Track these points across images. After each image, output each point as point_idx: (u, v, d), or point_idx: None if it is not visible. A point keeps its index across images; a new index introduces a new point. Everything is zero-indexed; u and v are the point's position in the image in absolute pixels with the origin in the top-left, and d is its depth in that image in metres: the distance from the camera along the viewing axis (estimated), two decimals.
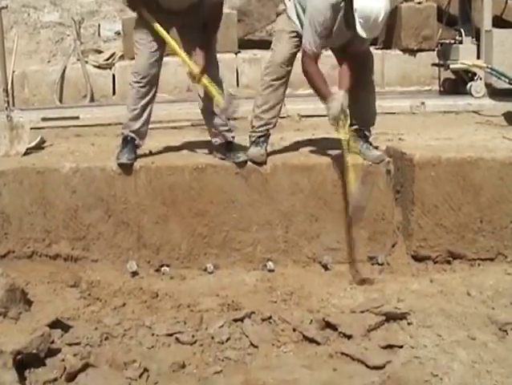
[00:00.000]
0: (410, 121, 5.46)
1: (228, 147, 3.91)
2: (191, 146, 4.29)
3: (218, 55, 3.96)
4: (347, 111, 3.66)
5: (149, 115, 3.88)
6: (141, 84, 3.76)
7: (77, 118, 5.77)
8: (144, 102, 3.80)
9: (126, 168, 3.78)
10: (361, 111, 3.90)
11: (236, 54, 7.60)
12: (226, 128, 3.95)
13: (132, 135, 3.85)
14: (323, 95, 3.67)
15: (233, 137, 3.97)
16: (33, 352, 2.61)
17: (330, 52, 3.95)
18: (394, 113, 5.77)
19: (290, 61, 3.87)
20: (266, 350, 2.86)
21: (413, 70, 7.62)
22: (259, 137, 3.93)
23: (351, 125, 3.96)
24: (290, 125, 5.42)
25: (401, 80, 7.59)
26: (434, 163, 3.70)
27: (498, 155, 3.74)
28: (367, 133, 3.99)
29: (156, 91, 3.86)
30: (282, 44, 3.86)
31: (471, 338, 2.81)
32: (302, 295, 3.39)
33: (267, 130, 3.96)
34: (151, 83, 3.78)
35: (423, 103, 6.02)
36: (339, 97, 3.56)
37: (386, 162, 3.88)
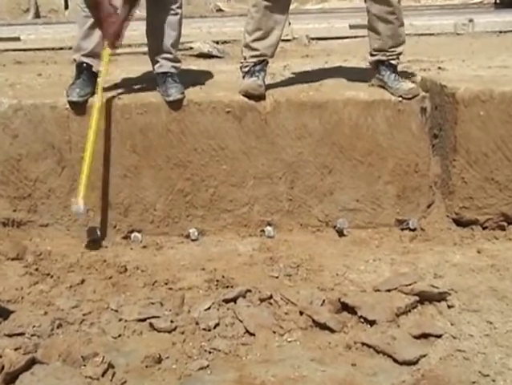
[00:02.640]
0: (453, 44, 5.43)
1: (163, 80, 3.85)
2: None
3: None
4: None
5: None
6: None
7: (17, 39, 5.73)
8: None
9: (78, 108, 3.74)
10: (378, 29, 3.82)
11: None
12: (169, 56, 3.88)
13: (87, 60, 3.81)
14: None
15: (176, 68, 3.91)
16: None
17: None
18: (432, 34, 5.77)
19: None
20: (266, 338, 2.84)
21: None
22: (254, 65, 3.89)
23: (371, 55, 3.92)
24: (297, 50, 5.38)
25: None
26: (484, 99, 3.65)
27: None
28: (393, 61, 3.91)
29: None
30: None
31: None
32: (312, 269, 3.39)
33: (263, 60, 3.92)
34: None
35: (471, 21, 5.98)
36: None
37: (420, 98, 3.85)
